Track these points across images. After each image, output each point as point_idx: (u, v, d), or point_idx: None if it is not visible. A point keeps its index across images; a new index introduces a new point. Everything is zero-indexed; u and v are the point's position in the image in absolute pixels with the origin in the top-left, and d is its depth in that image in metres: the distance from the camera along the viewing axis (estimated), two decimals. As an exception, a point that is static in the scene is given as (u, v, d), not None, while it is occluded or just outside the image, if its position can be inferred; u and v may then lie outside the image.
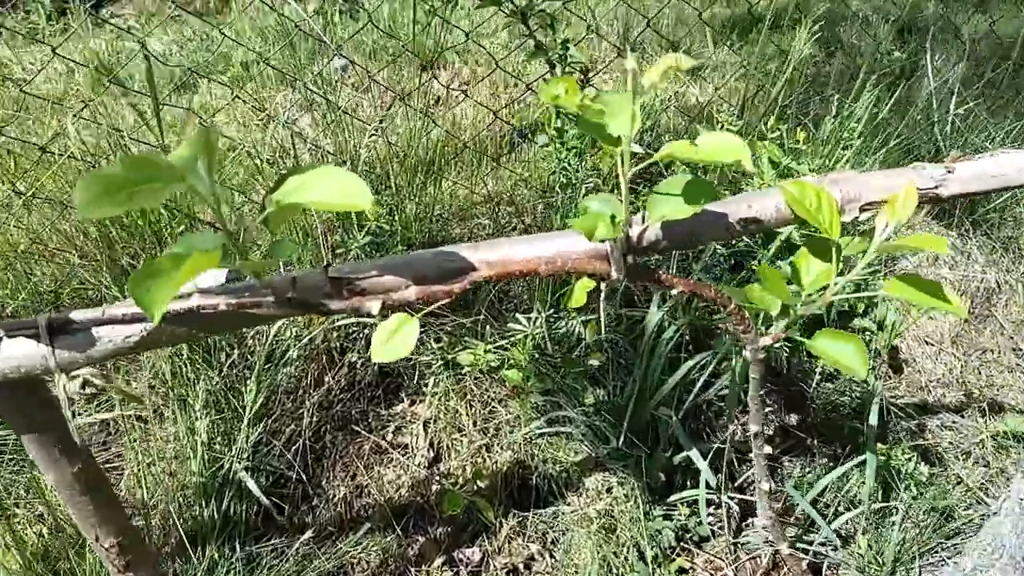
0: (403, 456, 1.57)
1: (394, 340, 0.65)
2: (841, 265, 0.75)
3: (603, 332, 1.38)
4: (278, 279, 0.66)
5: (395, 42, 3.09)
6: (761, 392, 0.90)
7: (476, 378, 1.62)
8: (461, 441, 1.59)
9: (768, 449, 0.98)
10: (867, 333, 1.65)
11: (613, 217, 0.67)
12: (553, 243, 0.71)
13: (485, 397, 1.63)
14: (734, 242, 1.57)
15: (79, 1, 4.07)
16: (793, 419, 1.59)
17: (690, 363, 1.41)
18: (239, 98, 2.48)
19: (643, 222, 0.70)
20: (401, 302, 0.66)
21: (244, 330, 1.46)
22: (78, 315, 0.64)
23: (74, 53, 3.13)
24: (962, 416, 1.67)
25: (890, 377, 1.76)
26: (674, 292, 0.74)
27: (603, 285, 0.73)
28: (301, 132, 2.47)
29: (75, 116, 1.74)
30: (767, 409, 1.57)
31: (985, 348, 1.88)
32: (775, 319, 0.78)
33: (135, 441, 1.39)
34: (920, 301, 0.71)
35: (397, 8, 3.49)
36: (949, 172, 0.77)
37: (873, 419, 1.32)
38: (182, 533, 1.27)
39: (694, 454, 1.34)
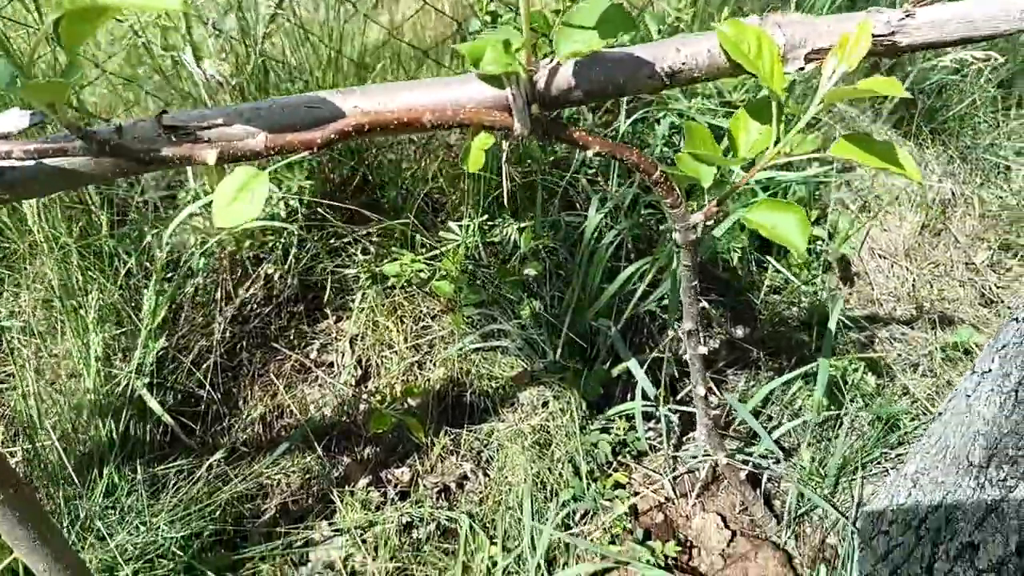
0: (328, 375, 1.47)
1: (240, 200, 0.53)
2: (783, 126, 0.65)
3: (507, 202, 1.27)
4: (102, 129, 0.54)
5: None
6: (694, 283, 0.81)
7: (408, 292, 1.51)
8: (391, 358, 1.49)
9: (703, 349, 0.90)
10: (819, 241, 1.58)
11: (512, 51, 0.55)
12: (446, 90, 0.59)
13: (416, 312, 1.52)
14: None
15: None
16: (739, 332, 1.52)
17: (630, 270, 1.32)
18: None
19: (549, 61, 0.58)
20: (246, 152, 0.54)
21: (146, 237, 1.32)
22: None
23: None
24: (912, 328, 1.62)
25: (840, 289, 1.70)
26: (590, 153, 0.63)
27: (505, 144, 0.62)
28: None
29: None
30: (711, 318, 1.50)
31: (938, 262, 1.83)
32: (707, 191, 0.68)
33: (25, 358, 1.26)
34: (869, 162, 0.61)
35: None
36: (908, 16, 0.66)
37: (832, 324, 1.25)
38: (75, 455, 1.17)
39: (632, 364, 1.26)
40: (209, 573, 1.14)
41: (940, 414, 0.99)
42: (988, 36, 0.70)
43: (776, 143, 0.64)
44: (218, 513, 1.22)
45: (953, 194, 1.93)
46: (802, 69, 0.64)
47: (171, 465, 1.24)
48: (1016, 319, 0.91)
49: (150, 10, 0.48)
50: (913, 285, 1.76)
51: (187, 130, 0.55)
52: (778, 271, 1.54)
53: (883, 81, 0.57)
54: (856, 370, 1.35)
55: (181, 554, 1.15)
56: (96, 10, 0.44)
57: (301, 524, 1.27)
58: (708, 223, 0.71)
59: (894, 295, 1.74)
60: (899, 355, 1.54)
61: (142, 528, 1.15)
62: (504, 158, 0.68)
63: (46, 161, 0.54)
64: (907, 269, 1.79)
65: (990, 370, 0.89)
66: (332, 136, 0.55)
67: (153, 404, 1.22)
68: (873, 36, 0.64)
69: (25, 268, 1.31)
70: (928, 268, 1.81)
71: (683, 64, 0.63)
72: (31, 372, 1.21)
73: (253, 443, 1.35)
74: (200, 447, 1.30)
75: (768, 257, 1.55)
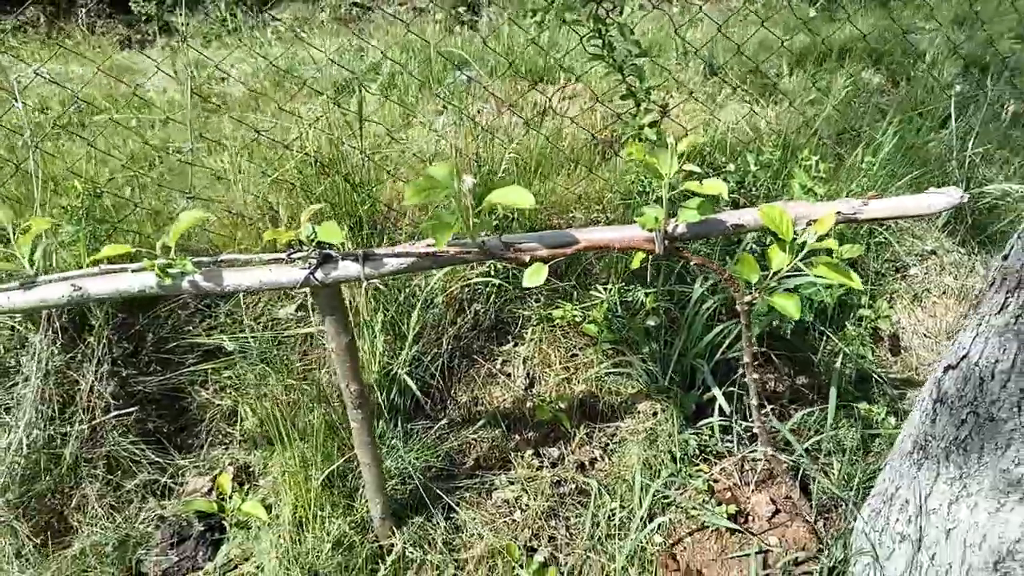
0: (507, 380, 2.17)
1: (535, 275, 1.23)
2: (793, 255, 1.29)
3: (653, 294, 1.91)
4: (482, 241, 1.26)
5: (510, 59, 3.67)
6: (749, 334, 1.44)
7: (563, 330, 2.20)
8: (549, 374, 2.17)
9: (756, 376, 1.52)
10: (865, 320, 2.14)
11: (657, 218, 1.23)
12: (622, 231, 1.28)
13: (568, 344, 2.21)
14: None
15: (246, 5, 4.85)
16: (800, 380, 2.10)
17: (719, 328, 1.95)
18: (391, 101, 3.13)
19: (674, 223, 1.26)
20: (539, 257, 1.24)
21: (411, 280, 2.08)
22: (379, 250, 1.26)
23: (251, 55, 3.86)
24: (940, 391, 2.13)
25: (889, 358, 2.23)
26: (693, 264, 1.30)
27: (650, 257, 1.30)
28: (438, 132, 3.10)
29: (272, 114, 2.40)
30: (778, 368, 2.08)
31: (977, 344, 2.32)
32: (754, 285, 1.32)
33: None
34: (833, 278, 1.23)
35: (516, 30, 4.07)
36: (864, 204, 1.29)
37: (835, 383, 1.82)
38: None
39: (716, 392, 1.88)
40: (437, 489, 1.84)
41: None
42: (915, 216, 1.32)
43: (788, 264, 1.28)
44: (441, 456, 1.93)
45: (997, 292, 2.41)
46: (804, 229, 1.28)
47: (416, 424, 1.97)
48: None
49: (517, 206, 1.16)
50: (952, 360, 2.26)
51: (512, 244, 1.26)
52: (834, 339, 2.12)
53: (837, 268, 1.21)
54: (880, 414, 1.90)
55: (421, 477, 1.87)
56: (494, 203, 1.16)
57: (489, 472, 1.95)
58: (754, 302, 1.35)
59: (932, 367, 2.25)
60: (926, 409, 2.06)
61: (400, 459, 1.88)
62: (649, 263, 1.36)
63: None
64: (947, 348, 2.30)
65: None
66: (572, 252, 1.25)
67: (410, 383, 1.96)
68: (844, 214, 1.28)
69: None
70: (967, 348, 2.30)
71: (742, 222, 1.29)
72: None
73: (461, 417, 2.06)
74: (431, 416, 2.03)
75: (828, 328, 2.13)
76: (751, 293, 1.33)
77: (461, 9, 5.30)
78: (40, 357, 1.82)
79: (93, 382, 1.89)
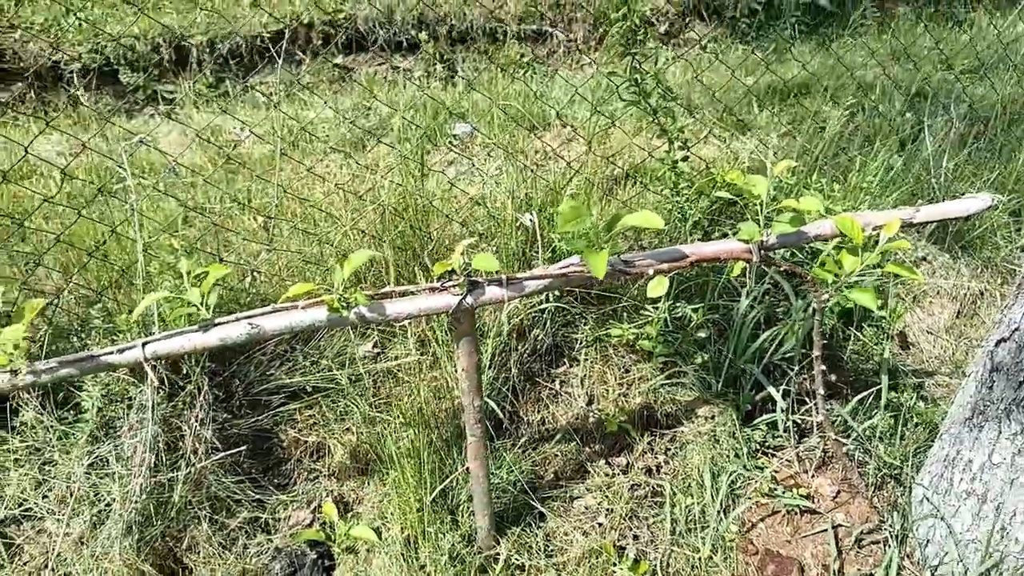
0: (568, 399, 2.35)
1: (658, 287, 1.43)
2: (861, 257, 1.53)
3: (752, 286, 2.12)
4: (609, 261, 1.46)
5: (506, 111, 3.93)
6: (822, 329, 1.67)
7: (615, 349, 2.40)
8: (606, 390, 2.36)
9: (824, 367, 1.75)
10: (883, 320, 2.41)
11: (756, 232, 1.46)
12: (725, 244, 1.50)
13: (621, 362, 2.41)
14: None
15: (232, 73, 5.01)
16: (832, 376, 2.34)
17: (766, 334, 2.18)
18: (402, 155, 3.33)
19: (768, 234, 1.49)
20: (659, 271, 1.45)
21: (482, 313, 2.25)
22: (519, 275, 1.44)
23: (255, 121, 4.02)
24: (951, 378, 2.41)
25: (900, 352, 2.51)
26: (783, 269, 1.52)
27: (749, 265, 1.52)
28: (450, 180, 3.30)
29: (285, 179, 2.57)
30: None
31: (970, 337, 2.63)
32: (830, 285, 1.56)
33: (414, 379, 2.19)
34: (902, 273, 1.48)
35: (496, 82, 4.35)
36: (917, 211, 1.55)
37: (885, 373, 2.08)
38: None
39: (771, 390, 2.11)
40: (528, 500, 2.00)
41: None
42: (958, 216, 1.58)
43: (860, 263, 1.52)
44: (524, 471, 2.09)
45: (980, 292, 2.74)
46: (872, 235, 1.53)
47: (498, 442, 2.13)
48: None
49: (650, 227, 1.36)
50: (952, 352, 2.55)
51: (630, 263, 1.46)
52: (858, 339, 2.38)
53: (903, 265, 1.46)
54: (910, 399, 2.15)
55: (513, 490, 2.02)
56: (627, 226, 1.37)
57: (569, 482, 2.12)
58: (829, 299, 1.59)
59: (938, 358, 2.54)
60: (943, 395, 2.33)
61: (492, 475, 2.03)
62: (749, 271, 1.58)
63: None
64: (948, 342, 2.59)
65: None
66: (688, 264, 1.46)
67: (493, 406, 2.12)
68: (902, 220, 1.54)
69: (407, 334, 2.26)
70: (963, 341, 2.60)
71: (821, 232, 1.53)
72: (425, 392, 2.13)
73: (536, 435, 2.23)
74: (510, 434, 2.19)
75: (851, 329, 2.39)
76: (828, 292, 1.57)
77: (439, 67, 5.58)
78: (148, 407, 1.91)
79: (196, 428, 1.98)
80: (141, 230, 2.17)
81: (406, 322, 2.26)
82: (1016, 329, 1.45)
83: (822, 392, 1.81)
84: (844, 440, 1.98)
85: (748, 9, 6.72)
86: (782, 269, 1.47)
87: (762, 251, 1.48)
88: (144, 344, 1.37)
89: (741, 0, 6.89)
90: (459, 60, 5.65)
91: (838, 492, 2.01)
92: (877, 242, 1.50)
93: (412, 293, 1.46)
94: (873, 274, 2.38)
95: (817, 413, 1.86)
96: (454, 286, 1.44)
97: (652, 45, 2.21)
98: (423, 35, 5.56)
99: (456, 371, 2.08)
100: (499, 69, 5.28)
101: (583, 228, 1.34)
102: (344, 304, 1.38)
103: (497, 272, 1.43)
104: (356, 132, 3.79)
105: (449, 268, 1.43)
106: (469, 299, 1.44)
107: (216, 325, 1.39)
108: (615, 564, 1.91)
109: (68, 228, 2.12)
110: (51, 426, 1.99)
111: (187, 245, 2.09)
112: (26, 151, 1.69)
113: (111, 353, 1.38)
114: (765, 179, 1.45)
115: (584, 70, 5.72)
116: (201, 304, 1.39)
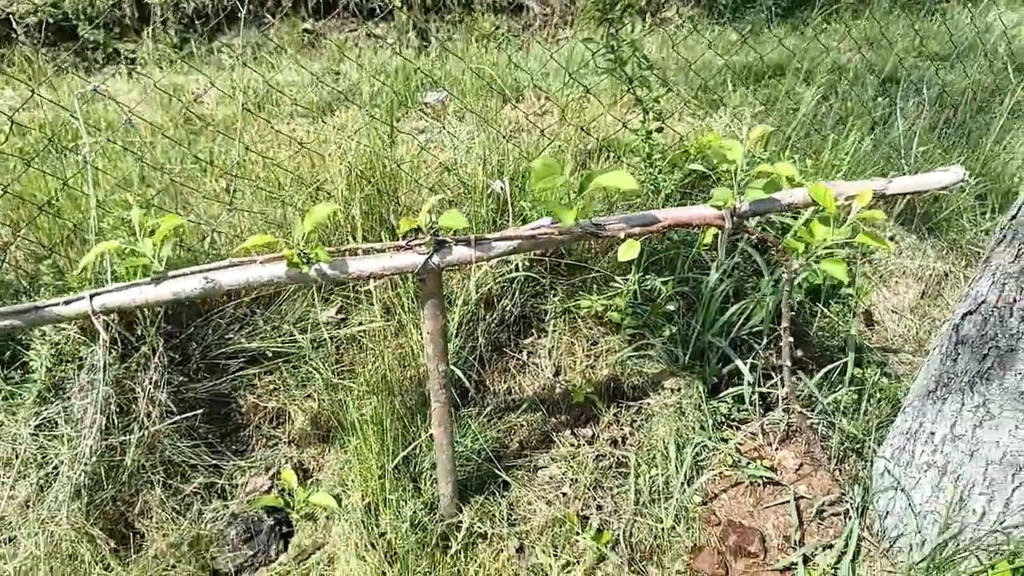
0: (535, 369, 2.33)
1: (630, 250, 1.40)
2: (832, 227, 1.51)
3: (723, 257, 2.11)
4: (575, 224, 1.42)
5: (482, 79, 3.86)
6: (790, 301, 1.66)
7: (584, 321, 2.38)
8: (573, 361, 2.34)
9: (791, 339, 1.74)
10: (850, 298, 2.42)
11: (729, 194, 1.44)
12: (697, 210, 1.47)
13: (589, 334, 2.39)
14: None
15: (197, 32, 4.85)
16: (799, 352, 2.35)
17: (734, 308, 2.18)
18: (374, 119, 3.25)
19: (742, 201, 1.47)
20: (628, 234, 1.42)
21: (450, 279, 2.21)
22: (488, 235, 1.40)
23: (219, 81, 3.89)
24: (914, 356, 2.43)
25: (865, 330, 2.52)
26: (754, 237, 1.50)
27: (721, 232, 1.50)
28: (420, 145, 3.23)
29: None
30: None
31: (934, 317, 2.65)
32: (800, 255, 1.54)
33: (378, 346, 2.14)
34: (872, 243, 1.47)
35: (469, 51, 4.27)
36: (889, 183, 1.54)
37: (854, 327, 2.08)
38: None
39: (739, 363, 2.10)
40: (491, 466, 1.97)
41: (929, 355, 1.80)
42: (927, 190, 1.58)
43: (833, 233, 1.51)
44: (488, 440, 2.06)
45: (945, 272, 2.77)
46: (843, 204, 1.52)
47: (464, 411, 2.10)
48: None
49: (622, 187, 1.33)
50: (916, 332, 2.58)
51: (601, 225, 1.43)
52: (824, 315, 2.38)
53: (874, 236, 1.45)
54: (874, 374, 2.17)
55: (476, 458, 1.99)
56: (600, 186, 1.34)
57: (534, 452, 2.10)
58: (800, 269, 1.57)
59: (903, 337, 2.56)
60: (906, 372, 2.35)
61: (456, 443, 1.99)
62: (721, 237, 1.56)
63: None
64: (912, 321, 2.62)
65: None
66: (660, 228, 1.43)
67: (460, 374, 2.08)
68: (874, 191, 1.52)
69: (371, 298, 2.21)
70: (927, 321, 2.63)
71: (794, 200, 1.51)
72: (390, 358, 2.08)
73: (502, 405, 2.20)
74: (475, 403, 2.16)
75: (818, 305, 2.40)
76: (798, 262, 1.55)
77: (411, 35, 5.47)
78: (99, 367, 1.84)
79: (150, 390, 1.92)
80: (96, 187, 2.08)
81: (372, 286, 2.21)
82: (982, 302, 1.45)
83: (788, 364, 1.80)
84: (808, 413, 1.98)
85: (725, -11, 6.70)
86: (753, 237, 1.45)
87: (735, 217, 1.46)
88: (92, 296, 1.31)
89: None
90: (432, 30, 5.55)
91: (801, 465, 2.02)
92: (849, 214, 1.48)
93: (377, 251, 1.41)
94: (842, 252, 2.39)
95: (783, 386, 1.86)
96: (420, 245, 1.40)
97: (629, 13, 2.16)
98: (396, 0, 5.44)
99: (421, 336, 2.04)
100: (473, 39, 5.20)
101: (555, 185, 1.30)
102: (304, 259, 1.33)
103: (465, 231, 1.38)
104: (324, 96, 3.70)
105: (415, 226, 1.38)
106: (436, 258, 1.40)
107: (169, 278, 1.33)
108: (578, 533, 1.89)
109: (15, 179, 2.02)
110: (-4, 385, 1.91)
111: (143, 201, 2.00)
112: (33, 92, 1.59)
113: (57, 304, 1.31)
114: (740, 144, 1.42)
115: (560, 44, 5.65)
116: (154, 257, 1.33)
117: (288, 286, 1.71)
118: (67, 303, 1.31)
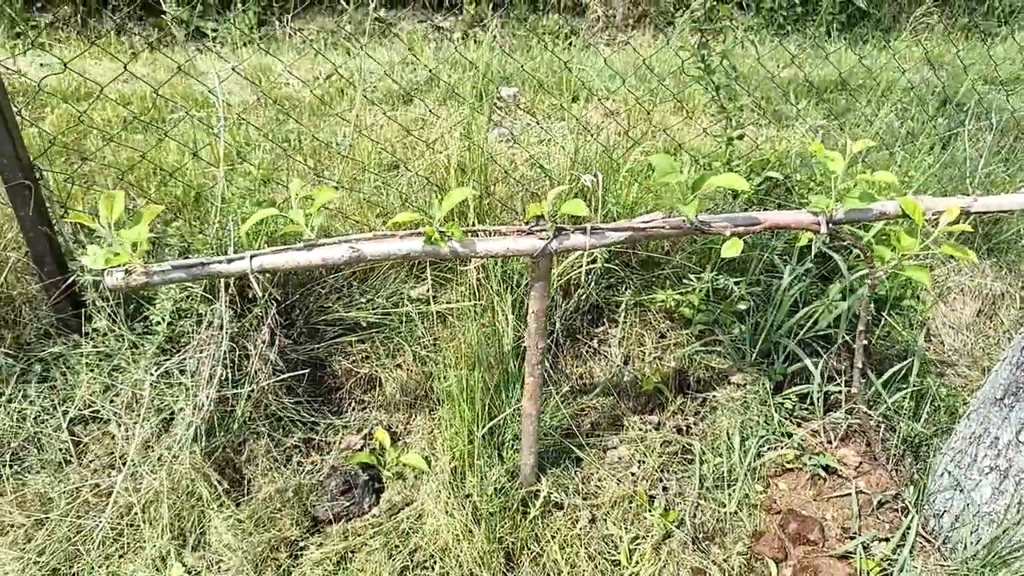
0: (605, 357, 2.46)
1: (733, 248, 1.53)
2: (919, 239, 1.63)
3: (812, 251, 2.22)
4: (676, 218, 1.55)
5: (550, 79, 4.00)
6: (870, 306, 1.78)
7: (654, 315, 2.51)
8: (642, 352, 2.47)
9: (866, 342, 1.86)
10: (910, 310, 2.52)
11: (827, 202, 1.56)
12: (795, 215, 1.60)
13: (658, 327, 2.52)
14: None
15: (276, 16, 5.03)
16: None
17: (804, 311, 2.29)
18: (472, 109, 3.39)
19: (838, 208, 1.59)
20: (734, 232, 1.54)
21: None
22: (602, 224, 1.54)
23: (302, 65, 4.07)
24: (969, 370, 2.53)
25: (924, 344, 2.62)
26: (847, 243, 1.62)
27: (816, 236, 1.62)
28: (514, 138, 3.38)
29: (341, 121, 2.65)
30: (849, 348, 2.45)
31: (988, 335, 2.75)
32: (886, 262, 1.66)
33: (465, 323, 2.29)
34: (957, 255, 1.58)
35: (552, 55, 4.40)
36: (975, 200, 1.65)
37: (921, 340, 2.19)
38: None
39: (808, 363, 2.22)
40: (567, 443, 2.11)
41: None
42: (1011, 210, 1.68)
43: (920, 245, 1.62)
44: (567, 418, 2.20)
45: (1002, 293, 2.85)
46: (931, 219, 1.63)
47: (543, 390, 2.24)
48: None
49: (736, 187, 1.46)
50: (971, 348, 2.67)
51: (706, 223, 1.56)
52: (887, 325, 2.49)
53: (958, 247, 1.56)
54: (933, 384, 2.27)
55: (554, 434, 2.13)
56: (714, 184, 1.47)
57: (605, 433, 2.23)
58: (882, 276, 1.69)
59: (958, 352, 2.65)
60: (960, 383, 2.45)
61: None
62: (815, 243, 1.68)
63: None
64: (968, 337, 2.71)
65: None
66: (762, 228, 1.56)
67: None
68: (960, 207, 1.64)
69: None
70: (982, 338, 2.72)
71: (885, 211, 1.63)
72: (478, 334, 2.23)
73: (576, 387, 2.34)
74: (552, 383, 2.30)
75: (881, 314, 2.50)
76: (883, 268, 1.67)
77: (477, 30, 5.62)
78: (222, 324, 2.01)
79: (262, 349, 2.08)
80: (222, 158, 2.25)
81: (471, 266, 2.35)
82: (1058, 317, 1.56)
83: (859, 365, 1.92)
84: (872, 413, 2.09)
85: (787, 2, 6.76)
86: (846, 243, 1.57)
87: (830, 224, 1.58)
88: (252, 256, 1.46)
89: (780, -8, 6.93)
90: (497, 25, 5.68)
91: (860, 462, 2.14)
92: (935, 227, 1.60)
93: (502, 233, 1.55)
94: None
95: (851, 386, 1.98)
96: (541, 230, 1.54)
97: (725, 23, 2.29)
98: (465, -4, 5.58)
99: (522, 315, 2.19)
100: (536, 38, 5.33)
101: (675, 182, 1.43)
102: (442, 236, 1.47)
103: (583, 219, 1.52)
104: (403, 86, 3.85)
105: (539, 213, 1.52)
106: (554, 243, 1.53)
107: (319, 245, 1.48)
108: (647, 510, 2.03)
109: (155, 146, 2.20)
110: (122, 335, 2.09)
111: (265, 174, 2.17)
112: (125, 67, 1.76)
113: (221, 262, 1.47)
114: (842, 156, 1.54)
115: (622, 46, 5.77)
116: (307, 225, 1.48)
117: (407, 262, 1.85)
118: (229, 261, 1.47)
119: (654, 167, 1.42)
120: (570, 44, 4.94)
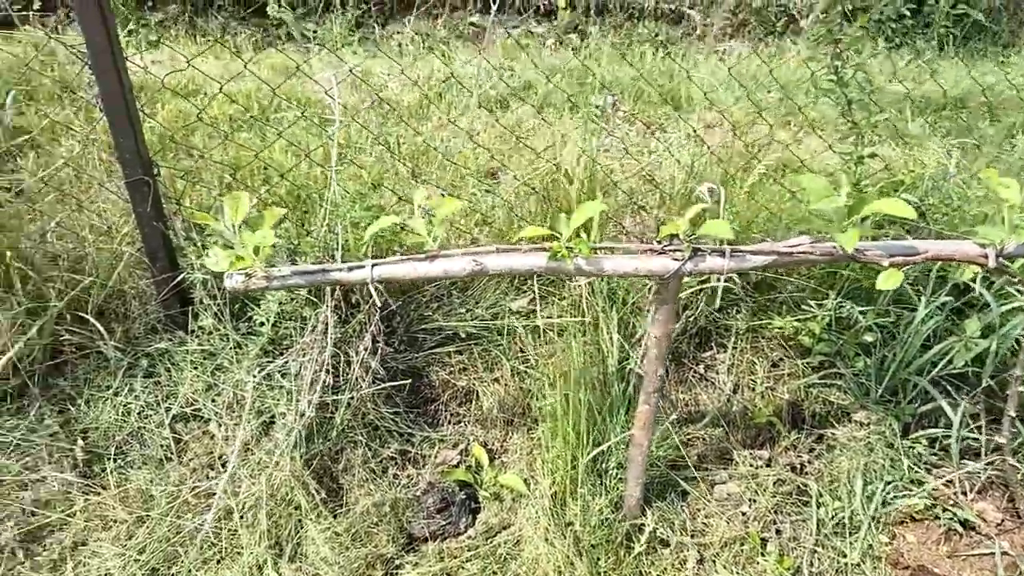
0: (713, 384, 2.32)
1: (891, 279, 1.38)
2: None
3: (930, 294, 2.04)
4: (826, 244, 1.41)
5: (650, 88, 3.87)
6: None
7: (767, 341, 2.36)
8: (752, 381, 2.32)
9: (1022, 388, 1.67)
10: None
11: (999, 237, 1.39)
12: (959, 246, 1.44)
13: (771, 356, 2.36)
14: None
15: (373, 19, 5.06)
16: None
17: (938, 347, 2.10)
18: (587, 118, 3.31)
19: (1009, 241, 1.42)
20: (892, 263, 1.40)
21: (643, 286, 2.25)
22: (743, 247, 1.41)
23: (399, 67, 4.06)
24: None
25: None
26: (1016, 280, 1.46)
27: (981, 270, 1.46)
28: (625, 148, 3.27)
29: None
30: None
31: None
32: None
33: (568, 340, 2.19)
34: None
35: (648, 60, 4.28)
36: None
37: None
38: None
39: (945, 405, 2.03)
40: (673, 475, 1.99)
41: None
42: None
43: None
44: (675, 449, 2.08)
45: None
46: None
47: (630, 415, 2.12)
48: None
49: (902, 215, 1.32)
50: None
51: (864, 250, 1.42)
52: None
53: None
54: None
55: (660, 465, 2.01)
56: (875, 208, 1.32)
57: (713, 466, 2.10)
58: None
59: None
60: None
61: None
62: (979, 276, 1.52)
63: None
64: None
65: None
66: (922, 259, 1.40)
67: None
68: None
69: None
70: None
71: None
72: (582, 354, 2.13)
73: (682, 415, 2.21)
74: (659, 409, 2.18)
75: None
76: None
77: (573, 36, 5.53)
78: (327, 330, 1.97)
79: (364, 356, 2.04)
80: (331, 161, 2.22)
81: (575, 285, 2.26)
82: None
83: (1012, 413, 1.73)
84: (1019, 466, 1.90)
85: (896, 13, 6.42)
86: (1016, 280, 1.40)
87: (999, 258, 1.42)
88: (374, 265, 1.41)
89: (889, 4, 6.60)
90: (593, 32, 5.58)
91: (1003, 519, 1.94)
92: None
93: (631, 252, 1.45)
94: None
95: (1001, 434, 1.79)
96: (675, 250, 1.43)
97: (859, 34, 2.13)
98: (561, 1, 5.51)
99: (605, 334, 2.08)
100: (631, 45, 5.21)
101: (833, 207, 1.30)
102: (568, 252, 1.38)
103: (724, 241, 1.40)
104: (500, 91, 3.80)
105: (674, 232, 1.41)
106: (688, 265, 1.42)
107: (442, 256, 1.41)
108: (760, 554, 1.88)
109: (268, 145, 2.19)
110: (227, 335, 2.08)
111: (376, 179, 2.13)
112: (245, 65, 1.74)
113: (342, 270, 1.42)
114: (1017, 184, 1.38)
115: (720, 55, 5.58)
116: (429, 235, 1.41)
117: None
118: (350, 269, 1.42)
119: (806, 189, 1.30)
120: (668, 53, 4.80)
